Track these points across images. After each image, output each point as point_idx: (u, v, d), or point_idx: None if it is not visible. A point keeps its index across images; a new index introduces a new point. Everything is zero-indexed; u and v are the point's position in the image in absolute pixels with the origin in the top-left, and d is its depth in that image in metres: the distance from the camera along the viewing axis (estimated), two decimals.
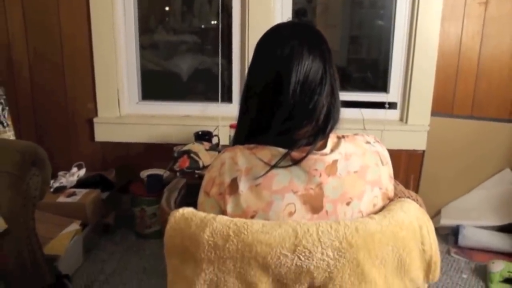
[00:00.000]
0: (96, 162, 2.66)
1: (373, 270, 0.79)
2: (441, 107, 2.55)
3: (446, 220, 2.49)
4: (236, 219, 0.80)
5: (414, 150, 2.58)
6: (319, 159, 0.84)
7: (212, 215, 0.82)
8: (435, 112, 2.54)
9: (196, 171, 1.92)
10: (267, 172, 0.83)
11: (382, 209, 0.90)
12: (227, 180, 0.85)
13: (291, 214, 0.83)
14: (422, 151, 2.59)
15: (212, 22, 2.85)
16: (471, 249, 2.36)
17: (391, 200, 0.94)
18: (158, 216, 2.37)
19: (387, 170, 0.93)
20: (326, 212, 0.84)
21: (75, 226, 2.12)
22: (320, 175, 0.84)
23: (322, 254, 0.77)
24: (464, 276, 2.15)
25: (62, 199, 2.25)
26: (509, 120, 2.52)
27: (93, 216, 2.28)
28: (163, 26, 2.92)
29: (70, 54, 2.57)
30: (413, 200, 0.98)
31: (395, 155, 2.50)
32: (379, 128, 2.49)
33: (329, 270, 0.77)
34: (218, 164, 0.88)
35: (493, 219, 2.42)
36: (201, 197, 0.90)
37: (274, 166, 0.83)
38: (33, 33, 2.55)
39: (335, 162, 0.85)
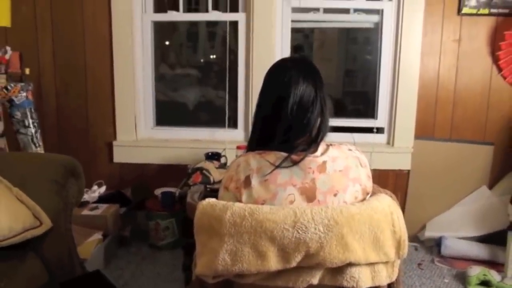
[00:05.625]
0: (115, 181, 2.83)
1: (354, 242, 0.97)
2: (423, 131, 2.73)
3: (430, 233, 2.65)
4: (250, 205, 0.99)
5: (400, 170, 2.75)
6: (313, 160, 1.05)
7: (231, 202, 1.01)
8: (418, 136, 2.72)
9: (208, 186, 2.11)
10: (272, 170, 1.02)
11: (362, 201, 1.09)
12: (242, 177, 1.04)
13: (291, 202, 1.02)
14: (407, 171, 2.74)
15: (211, 56, 3.11)
16: (453, 258, 2.52)
17: (370, 194, 1.14)
18: (171, 229, 2.58)
19: (365, 171, 1.12)
20: (318, 201, 1.03)
21: (97, 235, 2.32)
22: (313, 172, 1.03)
23: (315, 229, 0.95)
24: (446, 280, 2.32)
25: (86, 212, 2.46)
26: (484, 142, 2.67)
27: (113, 228, 2.48)
28: (172, 61, 3.18)
29: (93, 84, 2.78)
30: (388, 196, 1.22)
31: (383, 174, 2.72)
32: (369, 150, 2.61)
33: (320, 241, 0.95)
34: (234, 166, 1.08)
35: (472, 231, 2.56)
36: (221, 192, 1.10)
37: (278, 166, 1.03)
38: (61, 65, 2.78)
39: (324, 162, 1.05)
